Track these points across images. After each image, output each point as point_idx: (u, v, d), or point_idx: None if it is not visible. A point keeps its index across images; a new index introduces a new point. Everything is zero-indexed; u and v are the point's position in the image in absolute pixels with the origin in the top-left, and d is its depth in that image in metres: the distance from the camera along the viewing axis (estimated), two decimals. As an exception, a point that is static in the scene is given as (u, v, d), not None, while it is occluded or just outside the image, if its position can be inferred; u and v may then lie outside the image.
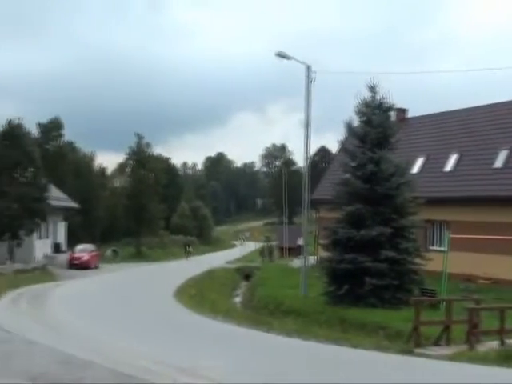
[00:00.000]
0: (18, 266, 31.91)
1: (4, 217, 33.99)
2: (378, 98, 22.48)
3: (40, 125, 62.08)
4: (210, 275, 34.58)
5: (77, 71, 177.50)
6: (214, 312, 19.11)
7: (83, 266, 40.35)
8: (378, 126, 21.93)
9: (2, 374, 9.90)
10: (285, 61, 24.04)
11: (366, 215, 20.67)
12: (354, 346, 13.40)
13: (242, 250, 67.53)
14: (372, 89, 22.42)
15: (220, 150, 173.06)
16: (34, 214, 36.01)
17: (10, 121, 37.36)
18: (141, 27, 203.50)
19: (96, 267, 42.14)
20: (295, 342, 14.01)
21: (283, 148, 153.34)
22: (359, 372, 10.83)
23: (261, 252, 59.93)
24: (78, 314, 18.31)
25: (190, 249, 62.81)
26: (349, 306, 19.05)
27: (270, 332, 15.31)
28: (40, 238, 42.43)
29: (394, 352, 12.86)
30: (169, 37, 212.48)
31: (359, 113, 22.67)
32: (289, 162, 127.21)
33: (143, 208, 58.47)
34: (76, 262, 41.13)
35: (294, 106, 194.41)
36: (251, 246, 62.32)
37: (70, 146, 67.13)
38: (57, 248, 46.83)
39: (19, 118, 37.74)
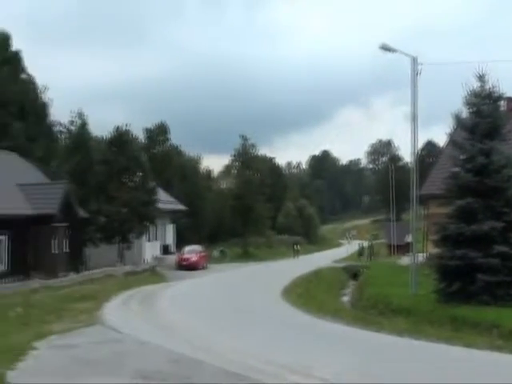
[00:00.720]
0: (128, 268, 33.23)
1: (114, 221, 35.67)
2: (487, 87, 21.40)
3: (146, 130, 64.67)
4: (317, 274, 34.42)
5: (180, 76, 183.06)
6: (322, 311, 18.97)
7: (191, 267, 41.33)
8: (487, 116, 20.88)
9: (115, 373, 10.33)
10: (389, 54, 23.41)
11: (477, 209, 19.74)
12: (467, 346, 12.98)
13: (348, 248, 66.78)
14: (481, 78, 21.38)
15: (324, 148, 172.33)
16: (143, 218, 37.50)
17: (118, 128, 39.21)
18: (238, 28, 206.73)
19: (204, 267, 43.10)
20: (406, 342, 13.74)
21: (389, 143, 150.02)
22: (477, 372, 10.39)
23: (359, 252, 58.90)
24: (188, 313, 18.72)
25: (298, 248, 62.95)
26: (460, 303, 18.29)
27: (380, 332, 15.13)
28: (149, 240, 44.08)
29: (508, 352, 12.37)
30: (267, 36, 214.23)
31: (468, 103, 21.70)
32: (395, 158, 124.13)
33: (249, 208, 59.31)
34: (184, 262, 42.19)
35: (398, 99, 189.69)
36: (358, 245, 61.42)
37: (176, 149, 69.31)
38: (165, 250, 48.45)
39: (126, 125, 39.60)
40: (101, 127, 54.05)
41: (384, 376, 10.08)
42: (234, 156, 63.68)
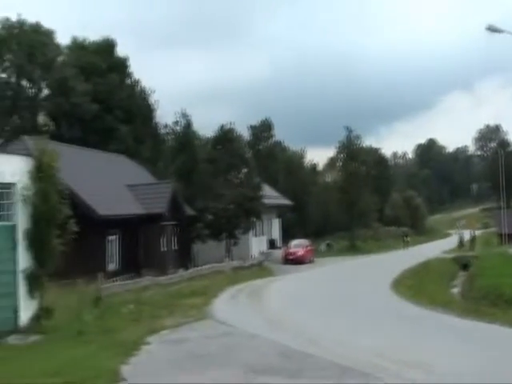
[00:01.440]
0: (235, 263, 33.55)
1: (221, 218, 36.17)
2: None
3: (251, 127, 65.33)
4: (425, 266, 33.18)
5: (281, 72, 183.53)
6: (432, 303, 18.30)
7: (298, 261, 41.25)
8: None
9: (227, 367, 10.36)
10: (496, 35, 21.95)
11: None
12: None
13: (457, 238, 63.86)
14: None
15: (430, 136, 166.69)
16: (249, 213, 37.77)
17: (222, 126, 39.76)
18: (338, 20, 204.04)
19: (310, 261, 42.87)
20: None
21: (497, 128, 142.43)
22: None
23: (459, 243, 55.94)
24: (296, 307, 18.62)
25: (408, 239, 61.18)
26: None
27: (494, 323, 14.54)
28: (255, 235, 44.39)
29: None
30: (370, 25, 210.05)
31: None
32: (504, 143, 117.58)
33: (355, 201, 58.35)
34: (291, 257, 42.20)
35: (506, 82, 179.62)
36: (468, 235, 58.54)
37: (280, 145, 69.51)
38: (272, 244, 48.62)
39: (230, 123, 40.08)
40: (205, 127, 55.27)
41: (503, 374, 9.34)
42: (339, 148, 62.86)
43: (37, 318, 14.02)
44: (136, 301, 18.21)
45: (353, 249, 56.25)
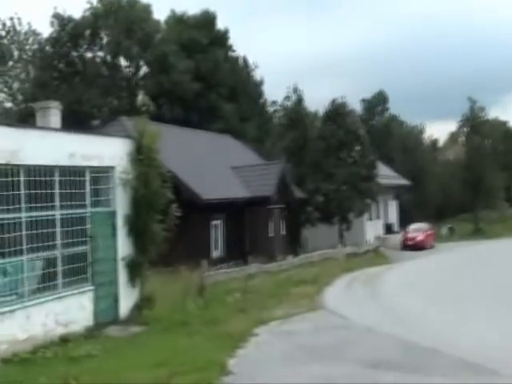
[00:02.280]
0: (348, 249, 33.18)
1: (333, 200, 35.76)
2: None
3: (364, 101, 64.13)
4: None
5: (395, 41, 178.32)
6: None
7: (418, 247, 40.22)
8: None
9: (342, 361, 10.21)
10: None
11: None
12: None
13: None
14: None
15: None
16: (363, 195, 37.10)
17: (334, 101, 39.13)
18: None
19: (431, 247, 41.60)
20: None
21: None
22: None
23: None
24: (416, 297, 18.10)
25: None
26: None
27: None
28: (370, 219, 43.64)
29: None
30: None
31: None
32: None
33: (480, 179, 55.72)
34: (410, 242, 41.28)
35: None
36: None
37: (396, 119, 67.78)
38: (388, 229, 47.63)
39: (342, 97, 39.38)
40: (315, 102, 54.89)
41: None
42: (461, 122, 60.13)
43: (138, 308, 14.38)
44: (242, 290, 18.38)
45: (477, 232, 53.84)
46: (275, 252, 29.29)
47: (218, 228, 28.15)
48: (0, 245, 10.94)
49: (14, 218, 11.20)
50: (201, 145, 33.32)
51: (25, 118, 33.54)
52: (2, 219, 11.01)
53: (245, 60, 49.21)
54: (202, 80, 43.47)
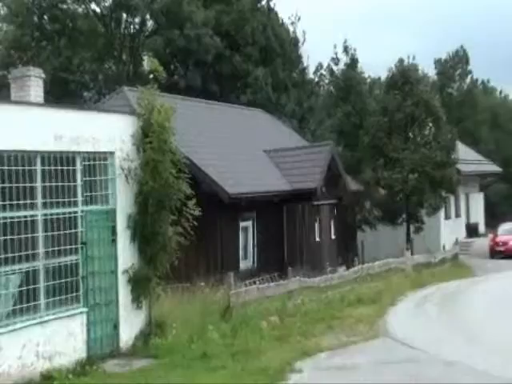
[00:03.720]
0: (419, 257, 33.00)
1: (398, 193, 35.56)
2: None
3: (438, 62, 63.56)
4: None
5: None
6: None
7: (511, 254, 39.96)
8: None
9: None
10: None
11: None
12: None
13: None
14: None
15: None
16: (438, 185, 36.82)
17: (400, 62, 38.81)
18: None
19: (531, 254, 41.15)
20: None
21: None
22: None
23: None
24: (509, 322, 17.91)
25: None
26: None
27: None
28: (447, 217, 43.33)
29: None
30: None
31: None
32: None
33: None
34: (500, 247, 41.04)
35: None
36: None
37: (482, 86, 67.07)
38: (472, 230, 47.24)
39: (409, 57, 39.10)
40: (372, 65, 54.42)
41: None
42: None
43: (144, 336, 14.45)
44: (280, 311, 18.40)
45: None
46: (323, 262, 29.29)
47: (248, 231, 28.19)
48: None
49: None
50: (225, 122, 33.42)
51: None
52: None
53: (279, 12, 49.21)
54: (225, 37, 43.51)
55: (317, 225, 30.79)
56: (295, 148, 33.57)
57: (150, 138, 14.40)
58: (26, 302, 12.02)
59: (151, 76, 16.34)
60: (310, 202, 29.92)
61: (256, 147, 32.26)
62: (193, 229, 14.91)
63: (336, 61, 40.64)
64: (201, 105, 33.61)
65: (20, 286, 12.04)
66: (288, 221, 29.80)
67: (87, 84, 41.86)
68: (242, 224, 27.77)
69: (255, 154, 31.53)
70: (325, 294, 22.49)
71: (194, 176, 17.58)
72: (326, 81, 45.77)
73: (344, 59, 40.11)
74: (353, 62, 39.64)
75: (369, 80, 45.06)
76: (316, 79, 50.37)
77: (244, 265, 27.35)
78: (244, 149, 31.38)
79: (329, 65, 42.94)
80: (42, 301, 12.36)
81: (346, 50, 39.84)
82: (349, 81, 39.03)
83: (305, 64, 50.20)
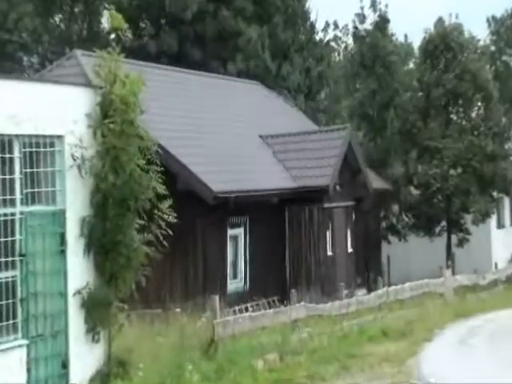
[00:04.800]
0: (462, 278, 32.91)
1: (436, 193, 35.56)
2: None
3: (490, 21, 63.46)
4: None
5: None
6: None
7: None
8: None
9: None
10: None
11: None
12: None
13: None
14: None
15: None
16: (487, 184, 36.85)
17: (440, 22, 38.85)
18: None
19: None
20: None
21: None
22: None
23: None
24: None
25: None
26: None
27: None
28: (500, 226, 43.38)
29: None
30: None
31: None
32: None
33: None
34: None
35: None
36: None
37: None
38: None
39: (452, 15, 39.16)
40: (404, 27, 54.35)
41: None
42: None
43: (102, 377, 14.37)
44: (280, 347, 18.32)
45: None
46: (336, 283, 29.18)
47: (238, 241, 28.20)
48: None
49: None
50: (209, 99, 33.36)
51: None
52: None
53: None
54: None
55: (329, 234, 30.73)
56: (301, 133, 33.47)
57: (111, 117, 14.35)
58: None
59: (112, 36, 16.29)
60: (321, 203, 29.93)
61: (250, 131, 32.27)
62: (166, 238, 14.90)
63: (361, 18, 40.50)
64: (177, 75, 33.54)
65: None
66: (291, 228, 29.81)
67: (28, 46, 41.58)
68: (231, 232, 27.78)
69: (248, 141, 31.55)
70: (339, 324, 22.50)
71: (167, 169, 17.63)
72: (342, 46, 45.68)
73: (370, 18, 39.96)
74: (382, 23, 39.47)
75: (402, 45, 45.07)
76: (327, 40, 50.27)
77: (233, 286, 27.37)
78: (234, 133, 31.35)
79: (345, 27, 42.84)
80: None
81: (373, 5, 39.69)
82: (374, 49, 38.84)
83: (313, 21, 50.13)
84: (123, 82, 14.68)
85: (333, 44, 50.05)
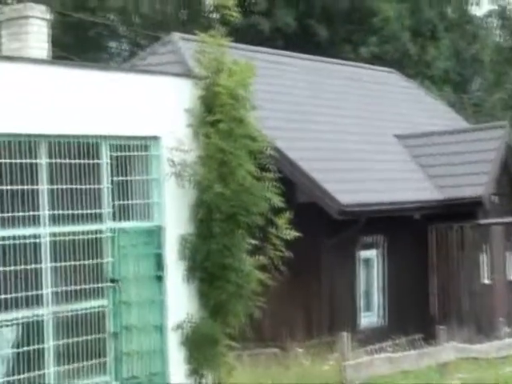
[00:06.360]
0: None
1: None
2: None
3: None
4: None
5: None
6: None
7: None
8: None
9: None
10: None
11: None
12: None
13: None
14: None
15: None
16: None
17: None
18: None
19: None
20: None
21: None
22: None
23: None
24: None
25: None
26: None
27: None
28: None
29: None
30: None
31: None
32: None
33: None
34: None
35: None
36: None
37: None
38: None
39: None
40: None
41: None
42: None
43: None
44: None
45: None
46: (495, 318, 28.91)
47: (371, 266, 28.14)
48: None
49: None
50: (336, 90, 33.39)
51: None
52: None
53: None
54: None
55: (485, 257, 30.45)
56: (447, 132, 33.30)
57: (217, 114, 14.43)
58: (25, 371, 12.16)
59: (217, 16, 16.40)
60: (474, 219, 29.67)
61: (383, 130, 32.23)
62: (285, 261, 15.02)
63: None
64: (297, 62, 33.57)
65: (17, 345, 12.27)
66: (437, 250, 29.58)
67: (115, 29, 41.87)
68: (363, 254, 27.77)
69: (382, 141, 31.50)
70: (500, 370, 22.26)
71: (285, 177, 17.63)
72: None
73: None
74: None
75: None
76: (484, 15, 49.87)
77: (366, 320, 27.41)
78: (363, 133, 31.31)
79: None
80: (51, 369, 12.52)
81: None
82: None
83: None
84: (231, 71, 14.77)
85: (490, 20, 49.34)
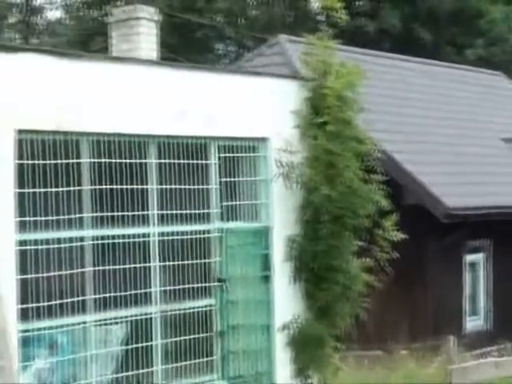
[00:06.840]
0: None
1: None
2: None
3: None
4: None
5: None
6: None
7: None
8: None
9: None
10: None
11: None
12: None
13: None
14: None
15: None
16: None
17: None
18: None
19: None
20: None
21: None
22: None
23: None
24: None
25: None
26: None
27: None
28: None
29: None
30: None
31: None
32: None
33: None
34: None
35: None
36: None
37: None
38: None
39: None
40: None
41: None
42: None
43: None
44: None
45: None
46: None
47: (478, 270, 27.84)
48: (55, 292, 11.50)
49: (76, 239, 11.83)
50: (442, 93, 33.14)
51: (86, 40, 35.17)
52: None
53: None
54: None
55: None
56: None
57: (324, 116, 14.42)
58: (134, 368, 12.45)
59: (322, 17, 16.34)
60: None
61: (490, 133, 31.92)
62: (391, 263, 15.02)
63: None
64: (403, 64, 33.38)
65: (126, 342, 12.55)
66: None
67: (221, 31, 41.81)
68: (469, 258, 27.51)
69: (489, 145, 31.17)
70: None
71: (391, 179, 17.55)
72: None
73: None
74: None
75: None
76: None
77: (472, 324, 27.13)
78: (469, 136, 31.02)
79: None
80: (159, 367, 12.77)
81: None
82: None
83: None
84: (338, 73, 14.74)
85: None
